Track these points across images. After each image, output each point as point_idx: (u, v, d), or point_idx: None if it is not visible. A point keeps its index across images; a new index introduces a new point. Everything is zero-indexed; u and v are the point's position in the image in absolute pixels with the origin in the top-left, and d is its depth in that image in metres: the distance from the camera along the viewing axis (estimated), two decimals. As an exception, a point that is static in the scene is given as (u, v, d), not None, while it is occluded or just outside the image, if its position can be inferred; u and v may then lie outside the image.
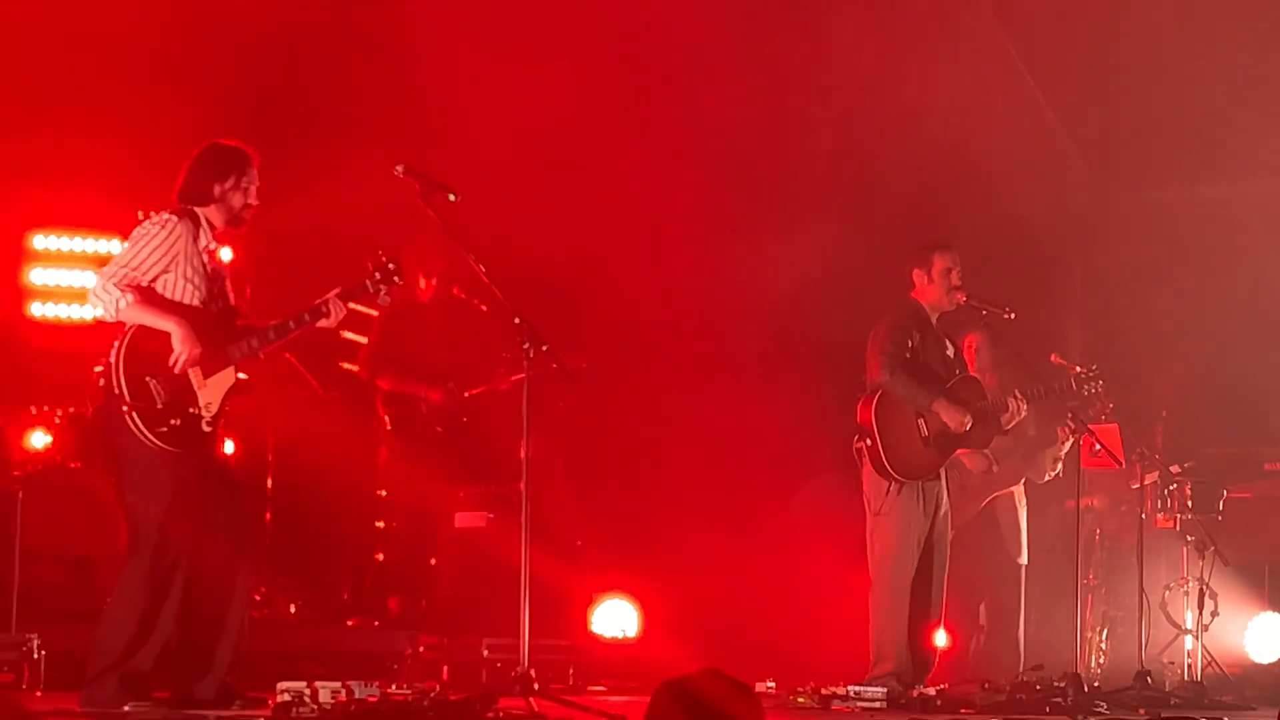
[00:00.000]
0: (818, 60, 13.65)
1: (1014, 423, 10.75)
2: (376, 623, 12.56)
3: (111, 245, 12.34)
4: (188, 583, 8.63)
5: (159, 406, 8.39)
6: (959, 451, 10.87)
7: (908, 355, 10.44)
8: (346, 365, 13.49)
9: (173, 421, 8.43)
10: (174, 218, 8.57)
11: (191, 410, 8.50)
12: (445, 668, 11.59)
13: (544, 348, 8.90)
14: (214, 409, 8.57)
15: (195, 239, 8.61)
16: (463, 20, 13.09)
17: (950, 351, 10.70)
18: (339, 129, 12.86)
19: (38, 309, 12.71)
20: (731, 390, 13.86)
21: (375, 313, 12.68)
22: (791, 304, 13.74)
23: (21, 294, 12.65)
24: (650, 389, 14.05)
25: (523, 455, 8.99)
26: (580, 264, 13.46)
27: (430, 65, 12.93)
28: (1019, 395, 10.67)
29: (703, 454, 13.75)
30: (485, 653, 11.43)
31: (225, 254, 12.72)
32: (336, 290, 8.86)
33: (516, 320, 8.91)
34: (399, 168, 8.92)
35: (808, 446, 13.69)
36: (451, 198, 8.97)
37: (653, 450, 13.95)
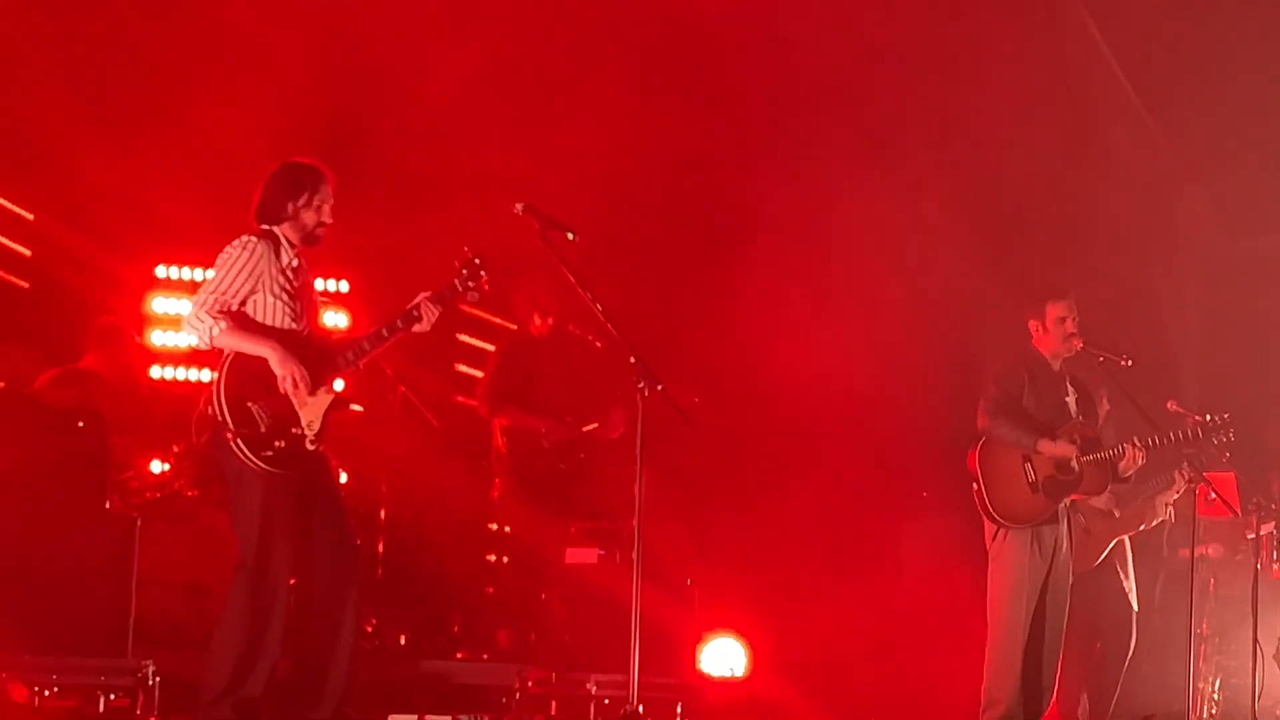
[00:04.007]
0: (931, 107, 13.63)
1: (1132, 470, 10.69)
2: (486, 656, 12.62)
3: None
4: (296, 607, 8.71)
5: (263, 430, 8.48)
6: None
7: (1012, 402, 10.40)
8: (462, 399, 13.59)
9: (277, 444, 8.53)
10: (254, 239, 8.67)
11: (295, 431, 8.59)
12: (553, 703, 11.61)
13: (659, 387, 8.89)
14: (316, 427, 8.66)
15: (277, 257, 8.69)
16: (569, 54, 13.22)
17: (1071, 398, 10.62)
18: (450, 161, 12.97)
19: (158, 338, 12.91)
20: (842, 429, 13.84)
21: (492, 348, 12.79)
22: (905, 344, 13.72)
23: (144, 322, 12.85)
24: (760, 428, 14.06)
25: (635, 492, 9.00)
26: (694, 308, 13.49)
27: (534, 100, 13.06)
28: (1137, 443, 10.61)
29: (813, 493, 13.71)
30: (593, 689, 11.42)
31: (344, 286, 13.05)
32: (426, 293, 8.92)
33: (632, 359, 8.91)
34: (518, 206, 8.92)
35: (919, 486, 13.65)
36: (570, 236, 8.98)
37: (764, 488, 13.94)
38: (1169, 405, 11.31)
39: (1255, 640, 12.00)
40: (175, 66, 12.19)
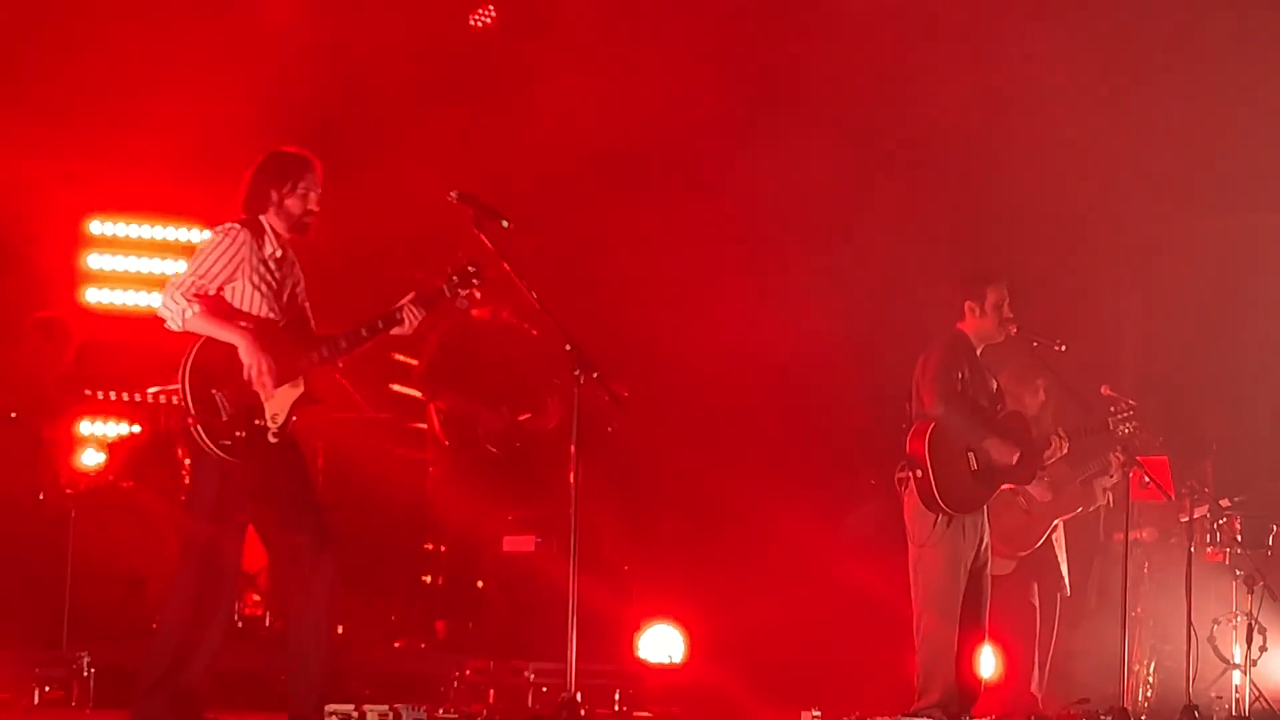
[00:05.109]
0: (875, 94, 13.65)
1: (1054, 459, 10.75)
2: (423, 645, 12.60)
3: (168, 232, 12.58)
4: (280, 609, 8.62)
5: (224, 418, 8.41)
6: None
7: (959, 388, 10.40)
8: (397, 387, 13.55)
9: (238, 433, 8.45)
10: (236, 225, 8.61)
11: (257, 422, 8.51)
12: (491, 691, 11.60)
13: (594, 374, 8.87)
14: (280, 420, 8.56)
15: (260, 246, 8.62)
16: (515, 43, 13.20)
17: (994, 384, 10.66)
18: (396, 147, 12.93)
19: (93, 295, 12.85)
20: (780, 415, 13.86)
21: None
22: (840, 332, 13.73)
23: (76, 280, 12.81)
24: (698, 415, 14.06)
25: (571, 480, 8.99)
26: (630, 292, 13.47)
27: (483, 88, 13.02)
28: (1061, 432, 10.68)
29: (750, 480, 13.72)
30: (531, 677, 11.43)
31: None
32: (411, 295, 8.82)
33: (567, 347, 8.88)
34: (453, 194, 8.88)
35: (854, 473, 13.67)
36: (504, 224, 8.95)
37: (701, 476, 13.95)
38: (1102, 389, 11.38)
39: (1189, 623, 12.07)
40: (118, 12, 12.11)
